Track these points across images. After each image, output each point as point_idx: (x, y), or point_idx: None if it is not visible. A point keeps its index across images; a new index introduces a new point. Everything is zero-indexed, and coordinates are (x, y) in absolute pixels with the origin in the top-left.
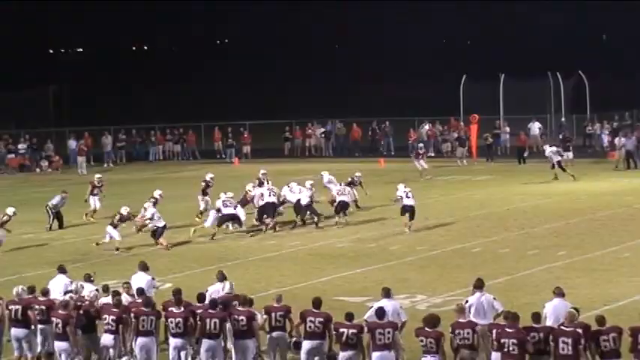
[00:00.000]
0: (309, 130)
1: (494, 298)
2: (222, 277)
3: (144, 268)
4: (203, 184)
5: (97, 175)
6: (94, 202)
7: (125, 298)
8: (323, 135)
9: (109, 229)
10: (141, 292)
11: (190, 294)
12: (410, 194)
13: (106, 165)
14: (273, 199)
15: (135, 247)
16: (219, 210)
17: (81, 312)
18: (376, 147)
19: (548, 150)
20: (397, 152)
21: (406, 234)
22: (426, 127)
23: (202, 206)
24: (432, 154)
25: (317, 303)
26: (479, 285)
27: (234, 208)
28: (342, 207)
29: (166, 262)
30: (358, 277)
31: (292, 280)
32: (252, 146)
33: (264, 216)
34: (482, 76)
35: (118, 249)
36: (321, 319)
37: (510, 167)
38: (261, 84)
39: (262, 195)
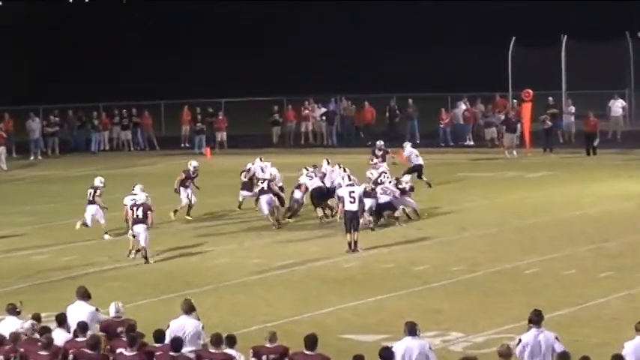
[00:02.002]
0: (306, 111)
1: (557, 338)
2: (188, 308)
3: (84, 295)
4: (183, 174)
5: (193, 163)
6: (187, 195)
7: (60, 336)
8: (324, 117)
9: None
10: (83, 327)
11: (146, 330)
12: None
13: (32, 157)
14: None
15: (73, 267)
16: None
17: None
18: (395, 133)
19: (409, 148)
20: (423, 140)
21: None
22: (463, 106)
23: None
24: (471, 143)
25: (272, 337)
26: (536, 319)
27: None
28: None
29: (114, 288)
30: (372, 307)
31: (284, 312)
32: (229, 132)
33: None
34: (538, 39)
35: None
36: (275, 357)
37: (576, 159)
38: (241, 49)
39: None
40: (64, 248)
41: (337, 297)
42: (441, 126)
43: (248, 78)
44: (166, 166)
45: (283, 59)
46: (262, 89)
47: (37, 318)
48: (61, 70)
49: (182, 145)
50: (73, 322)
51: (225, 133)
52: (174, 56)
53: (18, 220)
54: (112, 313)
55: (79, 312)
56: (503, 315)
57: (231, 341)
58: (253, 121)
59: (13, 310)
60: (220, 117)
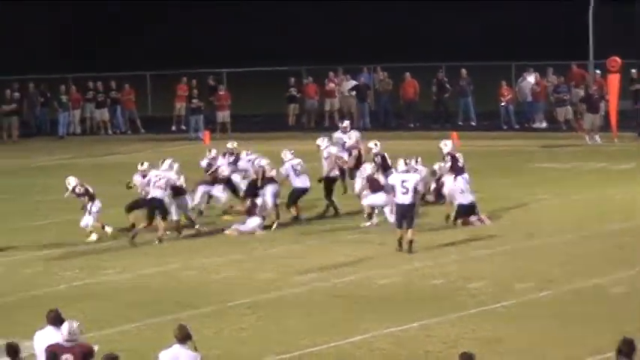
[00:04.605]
0: (331, 84)
1: None
2: (183, 336)
3: (56, 320)
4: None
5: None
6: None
7: None
8: (354, 92)
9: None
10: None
11: None
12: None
13: None
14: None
15: (36, 282)
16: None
17: None
18: (445, 112)
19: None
20: (481, 122)
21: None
22: (530, 78)
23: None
24: (542, 125)
25: None
26: (627, 350)
27: None
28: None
29: (91, 309)
30: (415, 335)
31: (303, 341)
32: (233, 111)
33: None
34: None
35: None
36: None
37: None
38: (247, 3)
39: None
40: (23, 259)
41: (371, 321)
42: (502, 104)
43: (257, 42)
44: (153, 154)
45: (301, 18)
46: (275, 57)
47: (12, 350)
48: (21, 34)
49: (173, 127)
50: (41, 352)
51: (227, 113)
52: (161, 15)
53: None
54: (63, 334)
55: (50, 340)
56: (581, 345)
57: None
58: (264, 97)
59: None
60: (222, 92)
